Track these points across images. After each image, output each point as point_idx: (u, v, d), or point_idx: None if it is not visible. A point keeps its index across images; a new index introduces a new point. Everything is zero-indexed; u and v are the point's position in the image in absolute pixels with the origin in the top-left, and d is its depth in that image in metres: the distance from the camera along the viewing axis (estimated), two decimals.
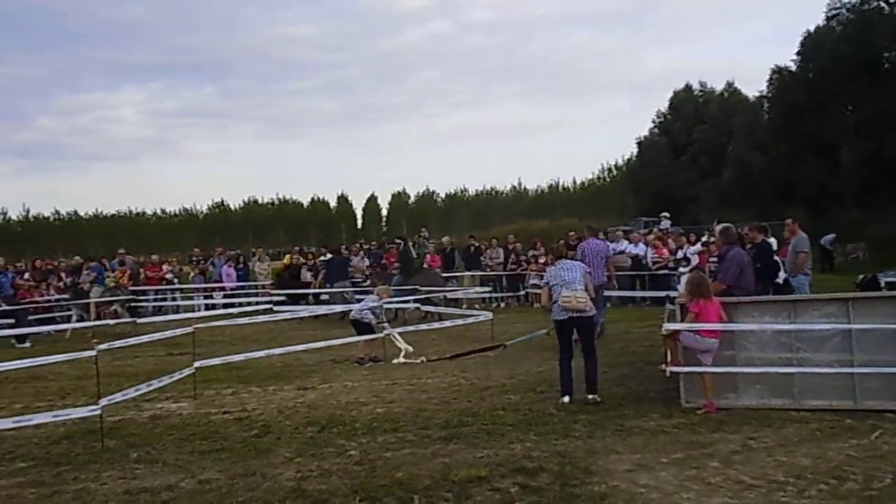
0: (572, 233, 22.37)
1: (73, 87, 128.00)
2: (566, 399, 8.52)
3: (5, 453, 7.45)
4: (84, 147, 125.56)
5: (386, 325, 12.66)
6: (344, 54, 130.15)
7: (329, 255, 21.93)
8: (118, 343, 9.16)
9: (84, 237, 75.16)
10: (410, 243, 20.48)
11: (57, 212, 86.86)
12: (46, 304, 20.22)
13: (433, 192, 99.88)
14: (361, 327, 12.34)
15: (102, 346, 8.14)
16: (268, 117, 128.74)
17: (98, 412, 7.70)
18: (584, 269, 8.96)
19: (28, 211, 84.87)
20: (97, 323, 16.56)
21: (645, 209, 45.52)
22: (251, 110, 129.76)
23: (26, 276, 20.25)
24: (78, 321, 18.23)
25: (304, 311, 17.75)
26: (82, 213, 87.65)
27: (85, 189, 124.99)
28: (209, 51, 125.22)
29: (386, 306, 13.13)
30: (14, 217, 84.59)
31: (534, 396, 8.95)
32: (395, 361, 11.88)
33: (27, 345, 16.54)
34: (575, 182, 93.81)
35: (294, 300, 20.67)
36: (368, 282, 20.41)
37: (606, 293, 14.19)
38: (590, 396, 8.47)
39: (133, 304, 21.63)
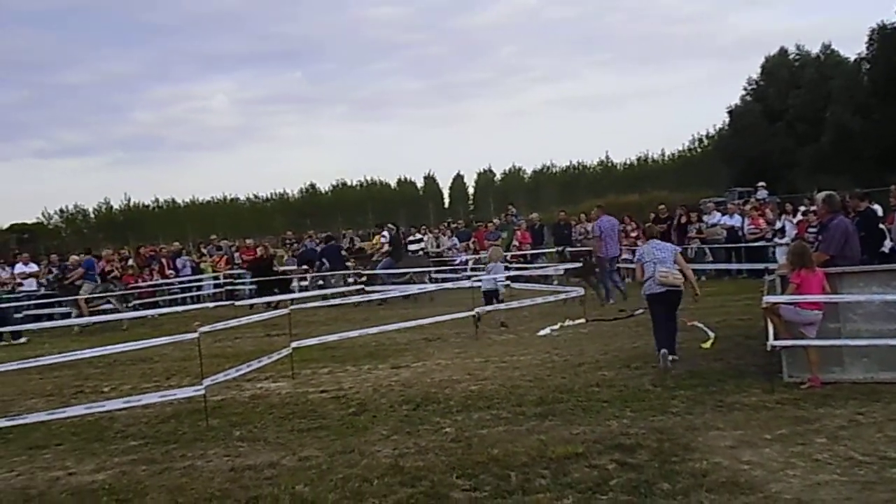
0: (662, 206, 21.94)
1: (164, 80, 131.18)
2: (664, 352, 8.78)
3: (117, 432, 7.81)
4: (179, 137, 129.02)
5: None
6: (427, 33, 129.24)
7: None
8: (219, 325, 9.49)
9: (182, 223, 77.32)
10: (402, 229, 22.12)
11: (156, 199, 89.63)
12: (149, 290, 21.11)
13: (520, 169, 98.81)
14: (491, 296, 13.42)
15: (204, 329, 8.42)
16: (354, 100, 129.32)
17: (202, 392, 7.98)
18: (674, 249, 9.46)
19: (129, 199, 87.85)
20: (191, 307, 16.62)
21: (739, 179, 44.14)
22: (338, 93, 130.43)
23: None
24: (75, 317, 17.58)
25: (395, 290, 17.95)
26: (179, 201, 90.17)
27: (182, 177, 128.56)
28: (295, 37, 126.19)
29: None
30: (116, 206, 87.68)
31: (629, 372, 8.84)
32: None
33: (22, 340, 16.38)
34: (664, 154, 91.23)
35: (267, 288, 20.22)
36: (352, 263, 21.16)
37: (700, 267, 16.21)
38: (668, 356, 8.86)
39: (230, 288, 22.35)
